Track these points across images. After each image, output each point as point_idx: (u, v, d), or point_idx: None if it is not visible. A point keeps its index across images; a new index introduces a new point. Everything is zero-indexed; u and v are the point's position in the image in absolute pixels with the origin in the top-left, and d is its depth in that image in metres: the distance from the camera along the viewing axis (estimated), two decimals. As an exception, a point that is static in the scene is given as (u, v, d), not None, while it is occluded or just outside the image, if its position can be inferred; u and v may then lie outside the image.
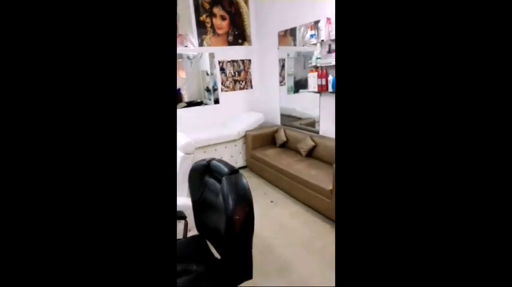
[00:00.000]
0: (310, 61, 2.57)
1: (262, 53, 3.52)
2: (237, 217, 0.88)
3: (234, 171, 1.01)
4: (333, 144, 2.47)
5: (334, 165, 1.96)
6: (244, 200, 0.91)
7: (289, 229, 2.11)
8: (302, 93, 3.16)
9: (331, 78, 2.38)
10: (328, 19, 2.32)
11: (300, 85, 3.17)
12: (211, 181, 1.13)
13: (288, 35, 3.03)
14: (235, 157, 3.25)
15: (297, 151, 2.81)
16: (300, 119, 3.19)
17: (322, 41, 2.40)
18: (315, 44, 2.51)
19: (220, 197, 0.97)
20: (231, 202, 0.89)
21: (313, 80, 2.53)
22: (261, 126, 3.34)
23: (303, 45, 2.85)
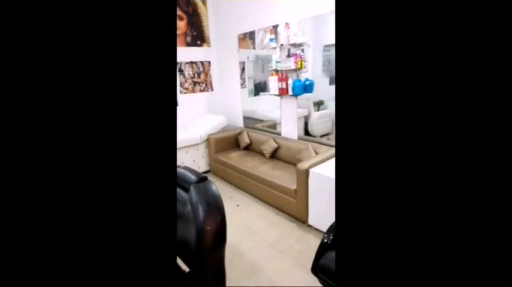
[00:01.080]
0: (270, 65, 2.61)
1: (222, 55, 3.48)
2: (209, 228, 0.84)
3: (202, 178, 0.97)
4: (294, 145, 2.56)
5: (297, 165, 2.02)
6: (216, 209, 0.88)
7: (257, 231, 2.11)
8: (262, 96, 3.20)
9: (291, 81, 2.45)
10: (287, 24, 2.39)
11: (259, 88, 3.21)
12: (177, 190, 1.07)
13: (247, 39, 3.05)
14: (197, 162, 3.15)
15: (261, 153, 2.84)
16: (262, 121, 3.23)
17: (282, 45, 2.46)
18: (275, 48, 2.57)
19: (189, 207, 0.91)
20: (201, 212, 0.85)
21: (273, 83, 2.58)
22: (223, 129, 3.29)
23: (262, 49, 2.89)
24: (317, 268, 1.31)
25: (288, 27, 2.39)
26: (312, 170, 1.93)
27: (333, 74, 2.95)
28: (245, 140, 3.07)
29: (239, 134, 3.20)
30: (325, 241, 1.35)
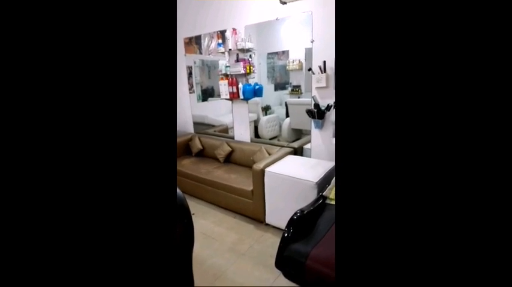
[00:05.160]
0: (219, 69, 2.62)
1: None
2: (176, 231, 0.80)
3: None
4: (248, 147, 2.60)
5: (253, 166, 2.07)
6: (181, 211, 0.84)
7: (216, 237, 2.06)
8: (212, 101, 3.19)
9: (241, 86, 2.51)
10: (234, 29, 2.45)
11: (207, 93, 3.19)
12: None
13: (193, 43, 3.01)
14: (144, 172, 2.91)
15: (215, 158, 2.80)
16: (213, 126, 3.19)
17: (230, 50, 2.51)
18: (223, 53, 2.60)
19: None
20: (166, 215, 0.80)
21: (224, 87, 2.60)
22: (172, 136, 3.14)
23: (209, 54, 2.89)
24: (281, 261, 1.36)
25: (236, 33, 2.45)
26: (267, 170, 2.00)
27: (278, 81, 3.13)
28: (197, 145, 2.99)
29: (190, 140, 3.09)
30: (286, 235, 1.41)
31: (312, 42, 2.10)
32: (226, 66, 2.54)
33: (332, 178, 1.84)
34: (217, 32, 2.64)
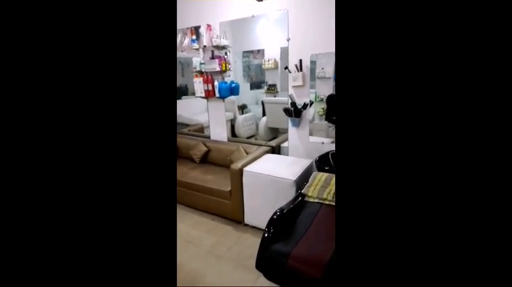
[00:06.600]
0: (194, 67, 2.53)
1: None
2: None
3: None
4: (225, 147, 2.54)
5: (231, 166, 2.02)
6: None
7: (193, 241, 1.98)
8: (186, 99, 3.08)
9: (217, 83, 2.44)
10: (209, 25, 2.37)
11: (180, 92, 3.08)
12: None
13: (166, 39, 2.88)
14: (113, 175, 2.73)
15: (190, 158, 2.70)
16: (188, 125, 3.08)
17: (205, 46, 2.43)
18: (197, 49, 2.51)
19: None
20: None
21: (199, 85, 2.51)
22: (143, 137, 2.97)
23: (182, 51, 2.78)
24: (262, 262, 1.33)
25: (210, 29, 2.37)
26: (245, 169, 1.96)
27: (253, 79, 3.11)
28: (171, 146, 2.86)
29: (163, 140, 2.95)
30: (266, 235, 1.39)
31: (288, 40, 2.10)
32: (201, 63, 2.46)
33: (310, 176, 1.86)
34: (191, 28, 2.55)
